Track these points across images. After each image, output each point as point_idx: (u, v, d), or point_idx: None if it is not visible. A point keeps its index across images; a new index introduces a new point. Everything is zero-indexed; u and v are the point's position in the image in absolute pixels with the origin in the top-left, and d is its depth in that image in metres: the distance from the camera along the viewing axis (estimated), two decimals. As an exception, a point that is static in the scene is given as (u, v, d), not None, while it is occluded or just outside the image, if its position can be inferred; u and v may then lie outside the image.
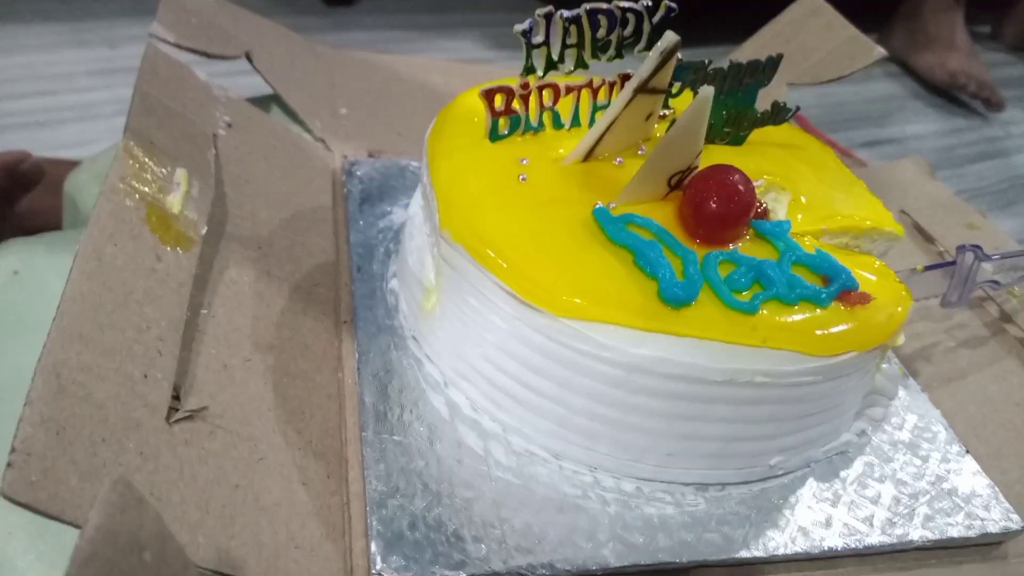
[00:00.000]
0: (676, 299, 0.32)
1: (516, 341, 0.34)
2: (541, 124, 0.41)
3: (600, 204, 0.36)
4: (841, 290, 0.34)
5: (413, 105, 0.62)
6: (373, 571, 0.29)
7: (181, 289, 0.34)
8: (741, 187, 0.35)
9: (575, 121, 0.41)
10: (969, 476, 0.38)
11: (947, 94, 1.12)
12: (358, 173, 0.50)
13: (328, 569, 0.29)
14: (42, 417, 0.25)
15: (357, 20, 1.08)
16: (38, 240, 0.42)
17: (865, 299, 0.34)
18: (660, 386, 0.32)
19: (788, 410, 0.34)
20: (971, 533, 0.36)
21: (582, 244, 0.34)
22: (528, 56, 0.37)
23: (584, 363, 0.33)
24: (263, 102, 0.56)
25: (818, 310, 0.33)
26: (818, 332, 0.33)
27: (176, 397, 0.31)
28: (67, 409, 0.26)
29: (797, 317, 0.33)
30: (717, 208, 0.35)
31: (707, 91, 0.33)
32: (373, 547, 0.30)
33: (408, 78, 0.64)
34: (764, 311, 0.33)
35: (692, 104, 0.34)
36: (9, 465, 0.23)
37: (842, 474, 0.37)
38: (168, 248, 0.35)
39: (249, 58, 0.56)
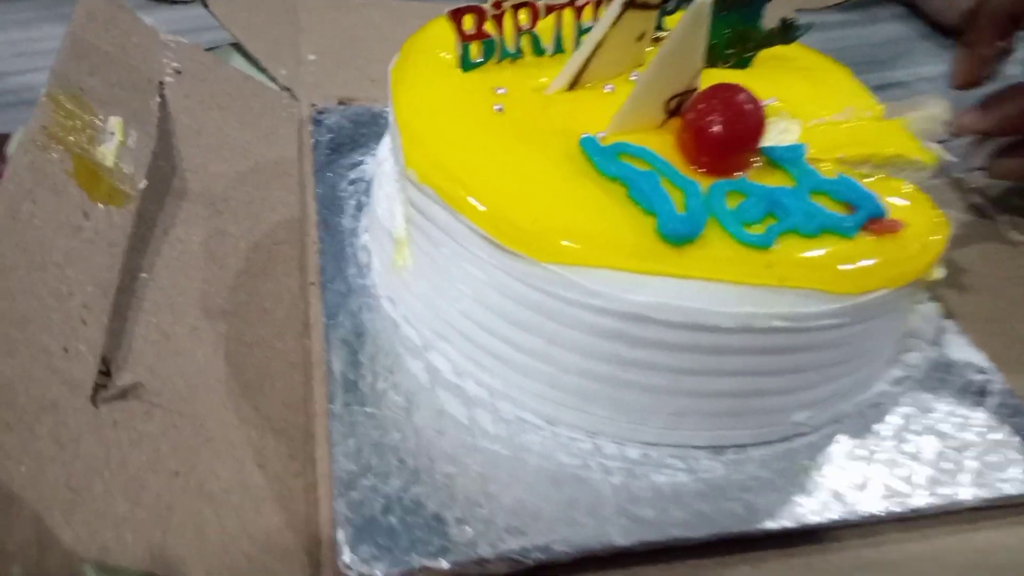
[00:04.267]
0: (677, 235, 0.27)
1: (497, 293, 0.30)
2: (519, 50, 0.36)
3: (588, 134, 0.31)
4: (868, 218, 0.29)
5: (388, 51, 0.57)
6: (340, 563, 0.25)
7: (112, 250, 0.30)
8: (748, 106, 0.31)
9: (558, 47, 0.37)
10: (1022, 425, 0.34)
11: (958, 35, 1.06)
12: (327, 122, 0.46)
13: (288, 563, 0.25)
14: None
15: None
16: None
17: (896, 227, 0.30)
18: (661, 336, 0.28)
19: (812, 358, 0.29)
20: (1029, 489, 0.32)
21: (567, 179, 0.30)
22: (499, -34, 0.32)
23: (575, 314, 0.28)
24: (224, 52, 0.51)
25: (842, 242, 0.29)
26: (843, 267, 0.28)
27: (106, 373, 0.27)
28: (-35, 391, 0.22)
29: (818, 251, 0.28)
30: (722, 131, 0.30)
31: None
32: (340, 535, 0.26)
33: (382, 22, 0.59)
34: (780, 245, 0.28)
35: (686, 13, 0.29)
36: None
37: (876, 429, 0.33)
38: (99, 205, 0.31)
39: (204, 2, 0.51)
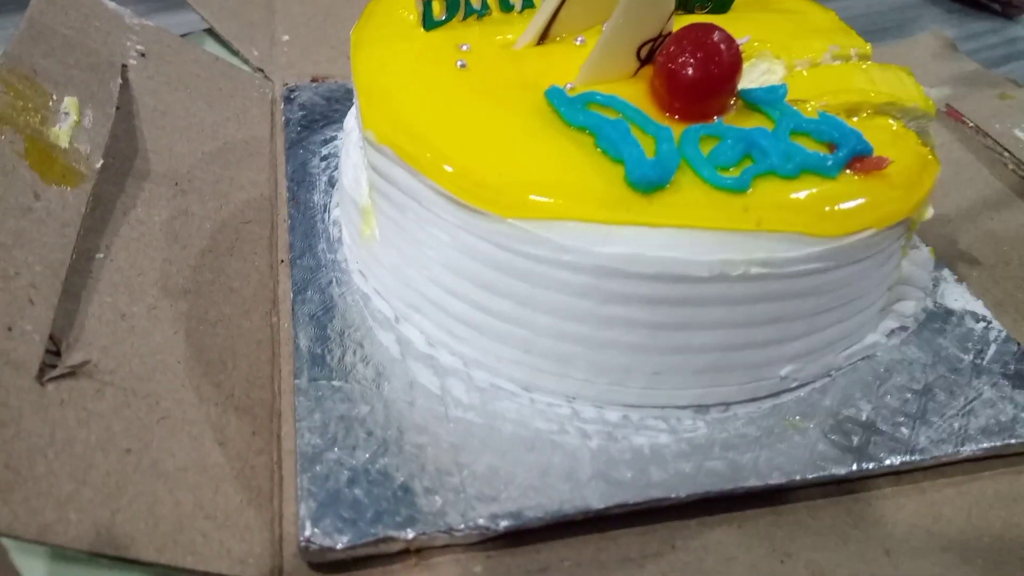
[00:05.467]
0: (646, 181, 0.26)
1: (464, 256, 0.29)
2: (486, 6, 0.35)
3: (555, 86, 0.30)
4: (851, 156, 0.28)
5: (365, 27, 0.56)
6: (301, 539, 0.24)
7: (65, 230, 0.29)
8: (723, 46, 0.29)
9: (527, 2, 0.35)
10: None
11: None
12: (299, 99, 0.45)
13: (248, 541, 0.24)
14: None
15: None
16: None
17: (881, 164, 0.28)
18: (636, 290, 0.27)
19: (796, 307, 0.28)
20: (1030, 437, 0.30)
21: (532, 132, 0.28)
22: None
23: (544, 272, 0.27)
24: (197, 37, 0.50)
25: (824, 182, 0.27)
26: (825, 208, 0.27)
27: (55, 352, 0.25)
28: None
29: (798, 193, 0.27)
30: (694, 72, 0.29)
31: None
32: (302, 510, 0.25)
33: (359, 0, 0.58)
34: (757, 188, 0.27)
35: (654, -50, 0.28)
36: None
37: (869, 381, 0.31)
38: (52, 186, 0.30)
39: (175, -13, 0.50)
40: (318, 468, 0.26)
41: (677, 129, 0.28)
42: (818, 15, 0.37)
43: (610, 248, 0.26)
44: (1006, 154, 0.45)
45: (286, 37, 0.52)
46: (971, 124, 0.47)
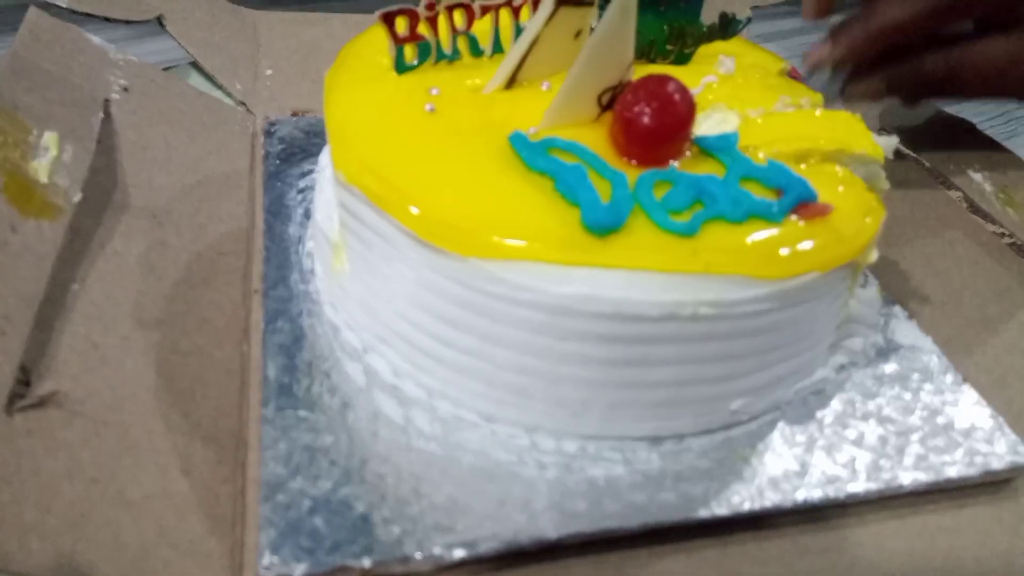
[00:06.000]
0: (600, 225, 0.27)
1: (428, 292, 0.30)
2: (457, 52, 0.36)
3: (518, 131, 0.31)
4: (796, 202, 0.29)
5: (347, 62, 0.57)
6: (260, 567, 0.25)
7: (41, 263, 0.30)
8: (677, 96, 0.31)
9: (497, 47, 0.37)
10: (968, 408, 0.34)
11: None
12: (279, 133, 0.46)
13: (209, 569, 0.25)
14: None
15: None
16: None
17: (825, 211, 0.29)
18: (591, 328, 0.28)
19: (745, 345, 0.29)
20: (972, 471, 0.31)
21: (493, 175, 0.30)
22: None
23: (504, 310, 0.28)
24: (181, 70, 0.52)
25: (770, 227, 0.29)
26: (770, 252, 0.28)
27: (25, 383, 0.26)
28: None
29: (745, 237, 0.28)
30: (649, 120, 0.30)
31: (631, -12, 0.28)
32: (263, 538, 0.26)
33: (342, 35, 0.59)
34: (706, 232, 0.28)
35: (612, 5, 0.29)
36: None
37: (818, 415, 0.32)
38: (30, 219, 0.31)
39: (160, 22, 0.51)
40: (280, 497, 0.27)
41: (633, 174, 0.30)
42: (775, 65, 0.39)
43: (566, 288, 0.27)
44: (960, 194, 0.46)
45: (269, 71, 0.53)
46: (927, 165, 0.48)
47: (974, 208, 0.46)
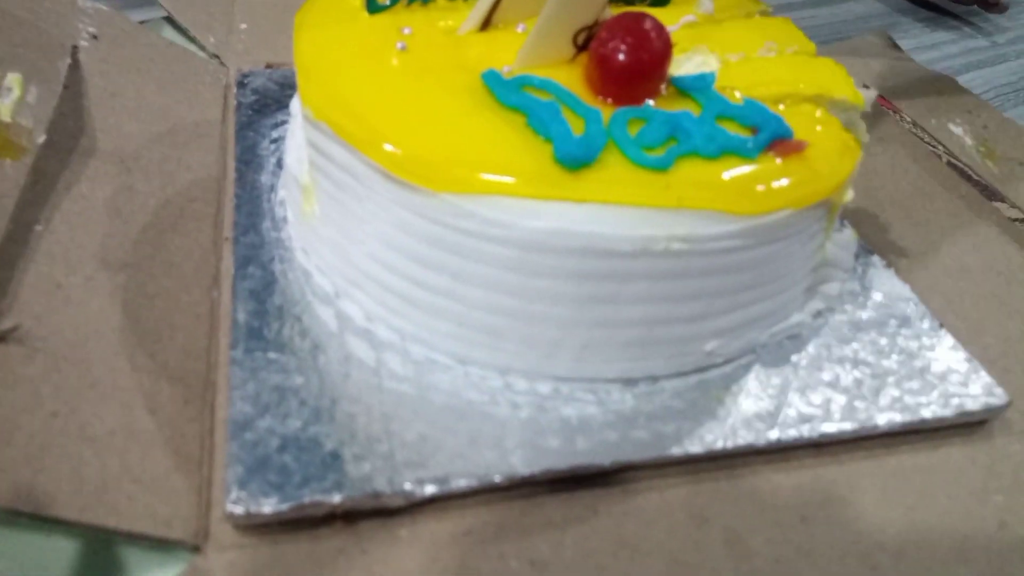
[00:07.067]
0: (572, 158, 0.27)
1: (399, 231, 0.29)
2: (430, -7, 0.35)
3: (492, 68, 0.31)
4: (772, 139, 0.29)
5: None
6: (228, 502, 0.25)
7: (2, 202, 0.29)
8: (653, 34, 0.30)
9: (472, -11, 0.36)
10: (945, 352, 0.33)
11: (933, 6, 1.05)
12: (252, 84, 0.45)
13: (175, 504, 0.25)
14: None
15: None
16: None
17: (800, 147, 0.29)
18: (563, 264, 0.27)
19: (719, 283, 0.29)
20: (947, 412, 0.31)
21: (466, 111, 0.29)
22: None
23: (475, 246, 0.28)
24: (155, 24, 0.51)
25: (744, 163, 0.28)
26: (744, 187, 0.28)
27: (-13, 319, 0.26)
28: None
29: (719, 173, 0.28)
30: (625, 58, 0.29)
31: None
32: (230, 474, 0.25)
33: (320, -9, 0.58)
34: (679, 167, 0.28)
35: (586, -60, 0.29)
36: None
37: (793, 359, 0.32)
38: (-9, 158, 0.30)
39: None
40: (248, 435, 0.27)
41: (608, 112, 0.29)
42: (753, 7, 0.39)
43: (537, 222, 0.27)
44: (940, 147, 0.46)
45: (244, 25, 0.52)
46: (908, 119, 0.48)
47: (955, 162, 0.46)
